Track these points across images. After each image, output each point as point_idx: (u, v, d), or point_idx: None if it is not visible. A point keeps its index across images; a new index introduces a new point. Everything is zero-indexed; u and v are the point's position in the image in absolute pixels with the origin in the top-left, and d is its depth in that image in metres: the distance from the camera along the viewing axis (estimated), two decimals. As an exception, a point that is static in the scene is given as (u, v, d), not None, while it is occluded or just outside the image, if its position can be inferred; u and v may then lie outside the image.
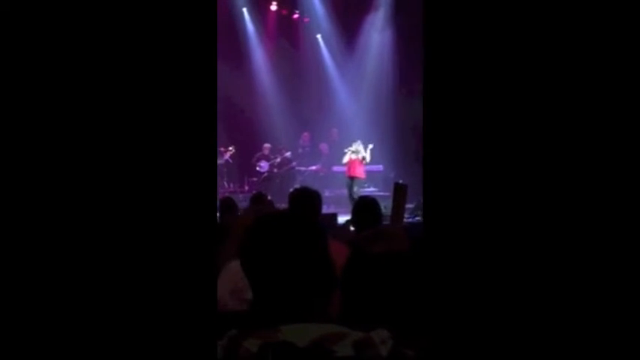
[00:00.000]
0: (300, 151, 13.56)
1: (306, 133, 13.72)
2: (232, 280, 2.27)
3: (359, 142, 11.45)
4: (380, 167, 13.60)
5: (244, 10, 14.03)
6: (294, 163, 13.28)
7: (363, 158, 11.26)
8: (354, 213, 3.59)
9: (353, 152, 11.22)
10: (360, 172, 11.34)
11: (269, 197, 9.06)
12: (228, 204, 5.42)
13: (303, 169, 13.38)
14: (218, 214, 6.22)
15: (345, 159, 11.28)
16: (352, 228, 3.95)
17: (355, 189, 11.11)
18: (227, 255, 2.35)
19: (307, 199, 3.39)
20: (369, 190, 12.51)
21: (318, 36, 14.55)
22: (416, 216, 9.35)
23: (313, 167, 13.16)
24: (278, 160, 13.18)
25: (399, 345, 1.31)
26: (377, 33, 14.06)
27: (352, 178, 11.21)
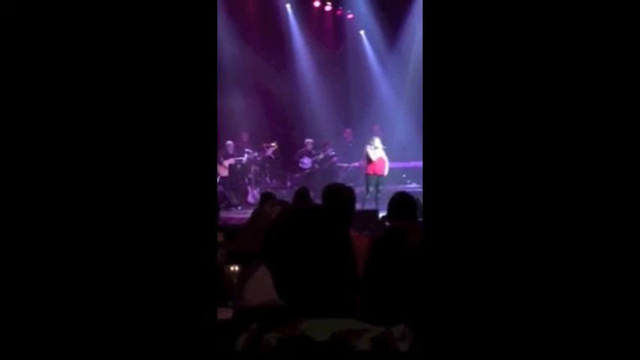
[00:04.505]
0: (342, 147, 13.55)
1: (348, 130, 13.70)
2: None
3: (378, 139, 11.31)
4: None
5: (288, 6, 14.10)
6: (335, 159, 13.27)
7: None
8: (390, 209, 3.58)
9: (378, 148, 11.07)
10: (384, 168, 11.24)
11: (311, 194, 9.11)
12: (269, 197, 5.43)
13: (345, 165, 13.36)
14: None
15: (377, 156, 11.11)
16: (387, 224, 3.93)
17: (381, 187, 11.00)
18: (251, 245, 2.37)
19: (340, 196, 3.39)
20: (412, 187, 12.43)
21: (362, 32, 14.52)
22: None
23: (356, 164, 13.11)
24: (321, 156, 13.19)
25: (418, 340, 1.30)
26: (421, 26, 13.93)
27: (379, 176, 11.08)
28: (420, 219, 4.42)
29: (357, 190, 9.02)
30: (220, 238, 3.56)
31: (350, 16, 14.46)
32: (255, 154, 12.79)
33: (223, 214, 10.08)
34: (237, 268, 2.67)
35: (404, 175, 13.43)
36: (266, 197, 5.48)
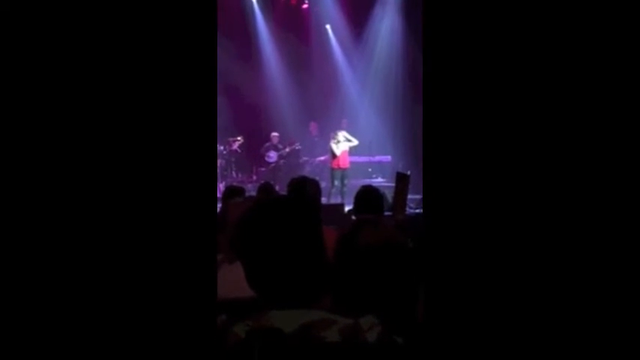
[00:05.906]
0: (307, 141, 13.55)
1: (313, 123, 13.69)
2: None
3: (344, 132, 11.36)
4: (388, 158, 13.60)
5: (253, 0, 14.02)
6: (301, 153, 13.27)
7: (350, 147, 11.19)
8: (356, 202, 3.59)
9: (341, 142, 11.09)
10: (348, 162, 11.29)
11: (277, 187, 9.07)
12: (234, 191, 5.35)
13: (310, 159, 13.37)
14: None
15: (340, 150, 11.13)
16: (354, 217, 3.95)
17: (346, 181, 11.06)
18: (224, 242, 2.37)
19: (305, 188, 3.40)
20: (378, 181, 12.50)
21: (327, 26, 14.51)
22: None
23: (321, 158, 13.13)
24: (287, 150, 13.17)
25: (387, 332, 1.31)
26: (386, 21, 14.02)
27: (343, 170, 11.13)
28: (387, 213, 4.44)
29: (323, 185, 9.04)
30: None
31: (316, 9, 14.43)
32: (221, 147, 12.70)
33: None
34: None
35: (370, 170, 13.51)
36: (231, 191, 5.42)
